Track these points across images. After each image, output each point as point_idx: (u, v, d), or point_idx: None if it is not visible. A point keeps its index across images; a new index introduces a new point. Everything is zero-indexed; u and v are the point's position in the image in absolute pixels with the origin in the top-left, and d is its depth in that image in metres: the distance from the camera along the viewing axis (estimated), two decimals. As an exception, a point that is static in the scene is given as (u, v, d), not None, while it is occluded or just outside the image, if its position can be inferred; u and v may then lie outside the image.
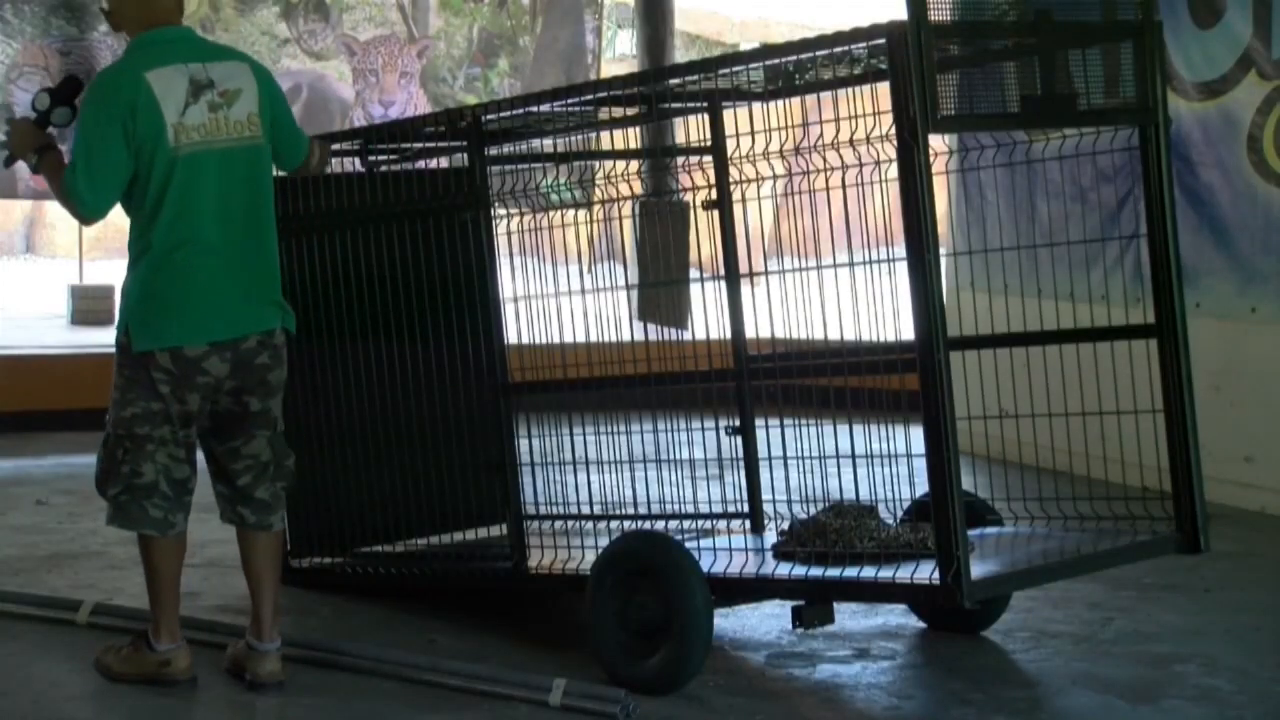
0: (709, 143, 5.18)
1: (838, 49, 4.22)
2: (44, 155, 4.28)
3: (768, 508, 5.16)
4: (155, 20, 4.25)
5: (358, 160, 5.39)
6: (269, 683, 4.27)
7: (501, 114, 4.83)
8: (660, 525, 5.08)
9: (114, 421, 4.25)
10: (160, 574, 4.30)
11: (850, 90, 4.44)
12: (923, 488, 4.14)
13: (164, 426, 4.21)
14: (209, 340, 4.14)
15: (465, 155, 5.00)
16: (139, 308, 4.16)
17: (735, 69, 4.52)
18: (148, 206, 4.14)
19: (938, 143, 4.23)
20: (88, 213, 4.22)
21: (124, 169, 4.13)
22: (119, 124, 4.10)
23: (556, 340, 5.01)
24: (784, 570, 4.29)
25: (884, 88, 4.05)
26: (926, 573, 3.98)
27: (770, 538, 4.78)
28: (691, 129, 5.18)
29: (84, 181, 4.13)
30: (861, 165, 4.21)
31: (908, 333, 4.01)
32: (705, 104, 5.12)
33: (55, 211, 25.51)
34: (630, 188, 4.86)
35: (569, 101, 4.81)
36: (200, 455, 4.38)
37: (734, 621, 4.94)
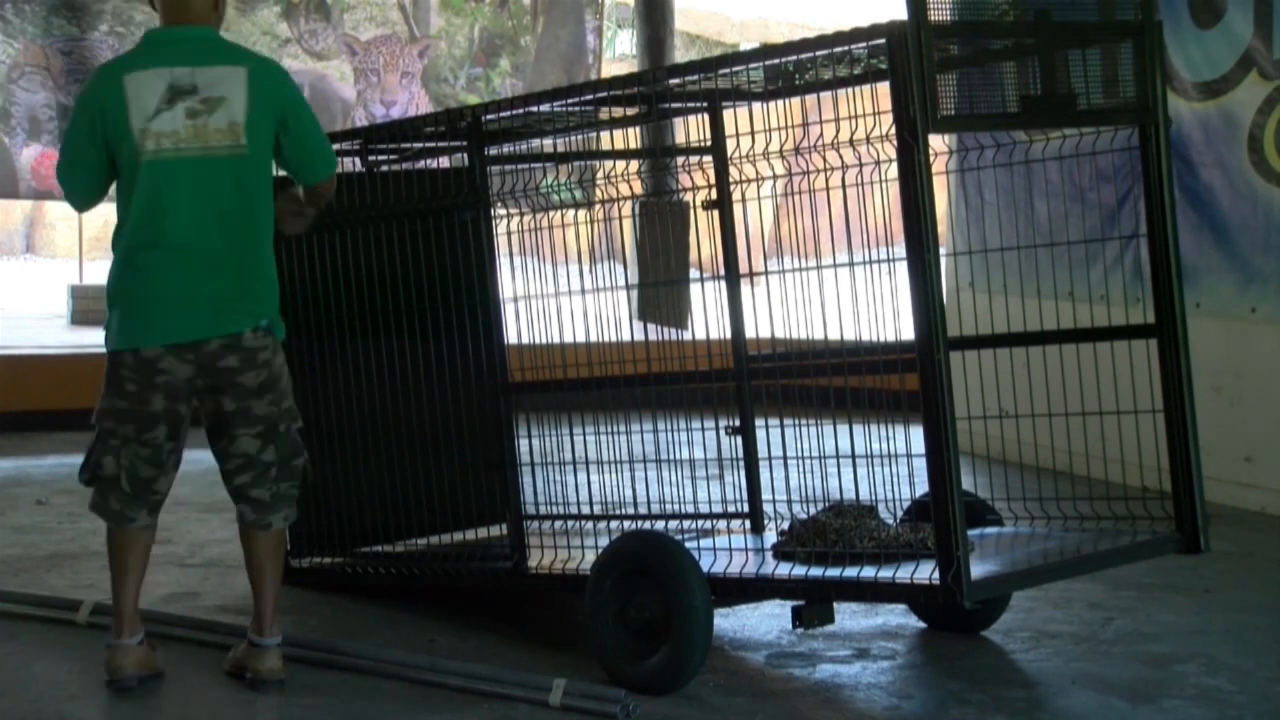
0: (709, 143, 5.18)
1: (838, 49, 4.22)
2: None
3: (768, 508, 5.16)
4: (173, 18, 4.26)
5: (358, 160, 5.39)
6: (270, 679, 4.27)
7: (501, 114, 4.83)
8: (660, 525, 5.08)
9: (95, 412, 4.35)
10: (115, 564, 4.33)
11: (850, 90, 4.44)
12: (923, 488, 4.14)
13: (128, 425, 4.24)
14: (164, 342, 4.14)
15: (465, 155, 5.01)
16: (109, 306, 4.26)
17: (735, 69, 4.51)
18: (121, 207, 4.23)
19: (938, 143, 4.23)
20: (70, 204, 4.44)
21: (94, 166, 4.23)
22: (88, 122, 4.18)
23: (556, 340, 5.01)
24: (784, 570, 4.29)
25: (884, 88, 4.05)
26: (926, 573, 3.98)
27: (770, 538, 4.79)
28: (691, 129, 5.18)
29: (62, 174, 4.32)
30: (861, 165, 4.21)
31: (908, 333, 4.01)
32: (705, 104, 5.13)
33: (55, 211, 25.51)
34: (630, 188, 4.86)
35: (569, 101, 4.81)
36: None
37: (734, 621, 4.94)
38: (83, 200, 4.38)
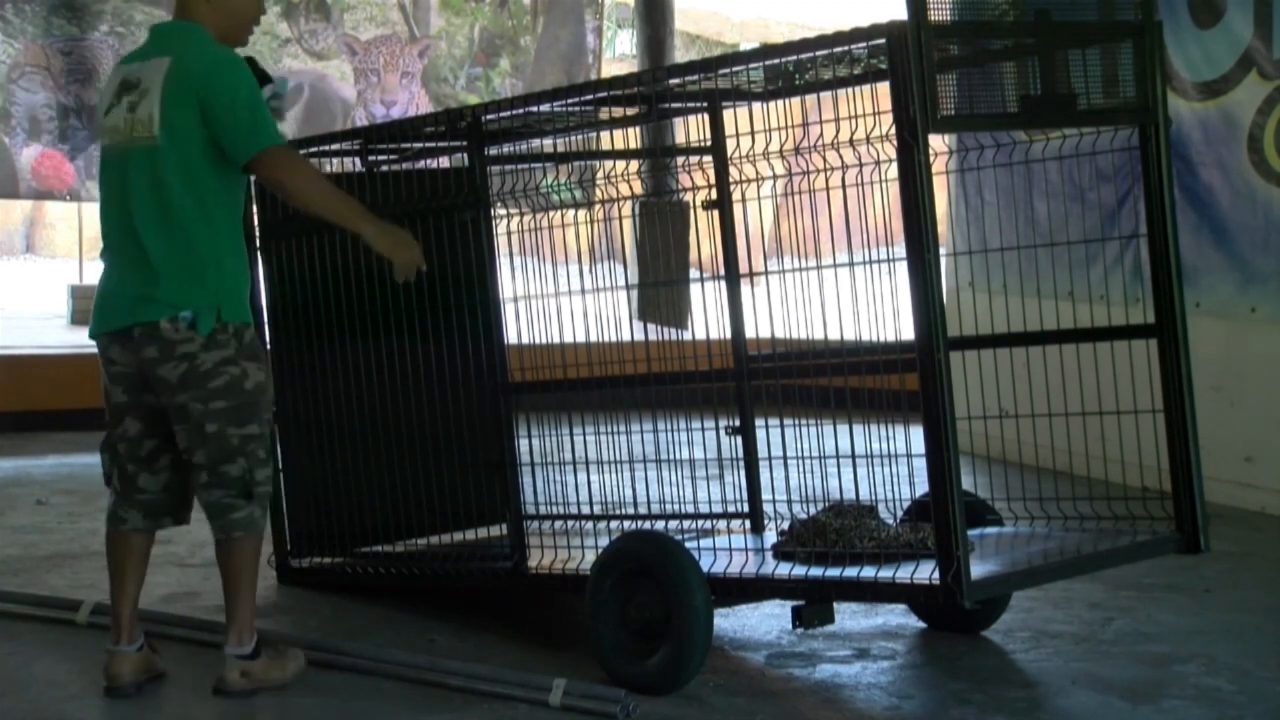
0: (709, 143, 5.18)
1: (838, 49, 4.22)
2: None
3: (768, 508, 5.16)
4: (175, 12, 4.30)
5: (358, 160, 5.39)
6: (222, 689, 4.21)
7: (501, 114, 4.83)
8: (660, 525, 5.08)
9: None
10: (111, 569, 4.33)
11: (850, 90, 4.44)
12: (923, 488, 4.14)
13: (109, 421, 4.32)
14: (100, 331, 4.23)
15: (465, 155, 5.01)
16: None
17: (735, 69, 4.51)
18: None
19: (937, 143, 4.23)
20: None
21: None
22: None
23: (556, 340, 5.01)
24: (784, 570, 4.29)
25: (884, 88, 4.05)
26: (926, 573, 3.98)
27: (770, 538, 4.78)
28: (691, 129, 5.18)
29: None
30: (861, 165, 4.21)
31: (908, 333, 4.01)
32: (705, 104, 5.12)
33: (55, 211, 25.51)
34: (630, 188, 4.86)
35: (569, 101, 4.81)
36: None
37: (734, 621, 4.94)
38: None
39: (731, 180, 4.94)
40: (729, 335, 5.27)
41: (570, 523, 5.30)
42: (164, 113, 4.08)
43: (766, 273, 4.68)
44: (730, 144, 4.84)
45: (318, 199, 4.17)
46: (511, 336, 5.01)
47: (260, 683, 4.23)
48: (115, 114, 4.18)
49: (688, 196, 5.05)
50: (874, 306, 4.30)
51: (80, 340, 13.16)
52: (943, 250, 4.81)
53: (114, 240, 4.24)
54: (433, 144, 5.32)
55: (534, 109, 4.85)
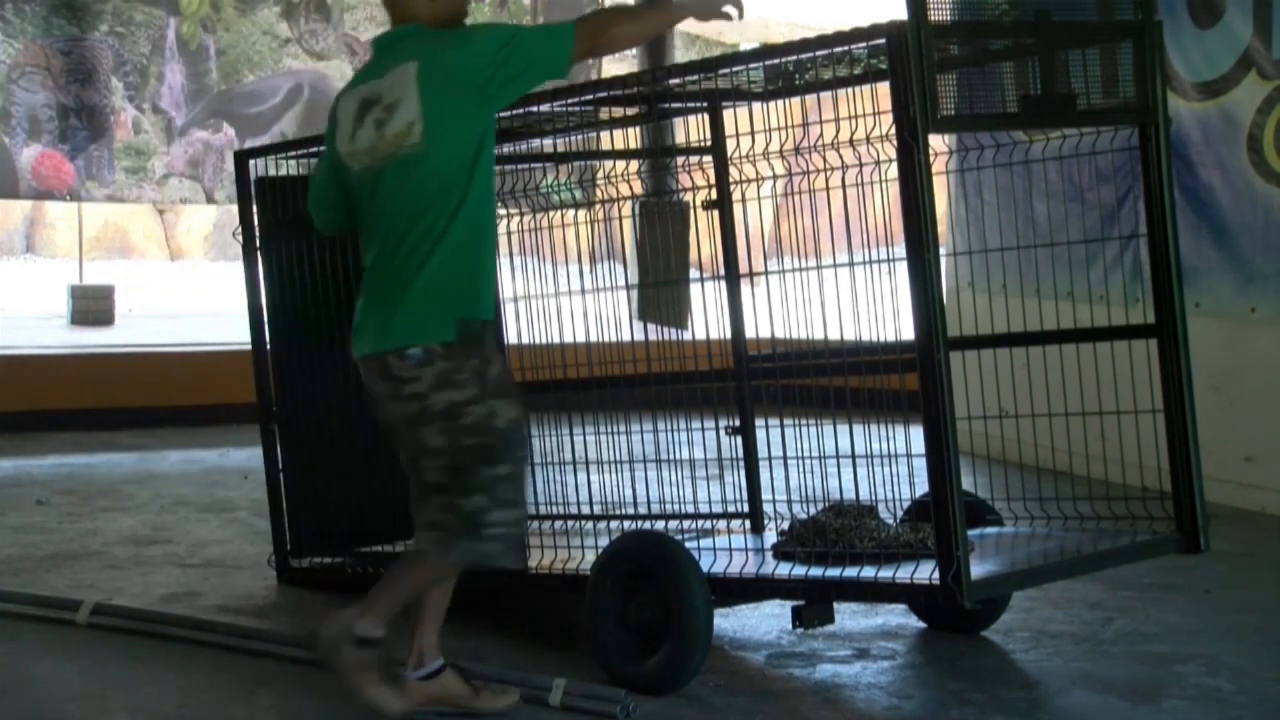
0: (709, 143, 5.19)
1: (838, 49, 4.23)
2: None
3: (768, 508, 5.16)
4: (395, 16, 4.03)
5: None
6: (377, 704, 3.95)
7: (501, 114, 4.82)
8: (660, 525, 5.08)
9: None
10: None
11: (850, 90, 4.45)
12: (923, 488, 4.14)
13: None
14: (356, 354, 4.00)
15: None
16: None
17: (735, 69, 4.52)
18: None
19: (937, 143, 4.23)
20: (314, 227, 4.30)
21: (330, 191, 4.08)
22: (326, 152, 4.09)
23: (556, 340, 5.01)
24: (784, 570, 4.29)
25: (884, 88, 4.05)
26: (926, 573, 3.98)
27: (770, 538, 4.79)
28: (691, 129, 5.18)
29: (310, 198, 4.23)
30: (861, 165, 4.21)
31: (908, 333, 4.02)
32: (705, 104, 5.13)
33: (55, 211, 25.53)
34: (630, 188, 4.86)
35: (569, 101, 4.81)
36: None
37: (734, 621, 4.94)
38: (318, 222, 4.24)
39: (731, 180, 4.94)
40: (729, 335, 5.27)
41: (570, 523, 5.30)
42: (428, 116, 3.81)
43: (766, 273, 4.68)
44: (730, 144, 4.85)
45: (639, 35, 3.99)
46: (511, 336, 5.01)
47: (439, 703, 4.02)
48: (362, 136, 3.89)
49: (688, 196, 5.06)
50: (874, 306, 4.30)
51: (80, 340, 13.18)
52: (942, 250, 4.81)
53: (369, 269, 3.97)
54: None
55: (534, 109, 4.85)
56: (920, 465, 4.05)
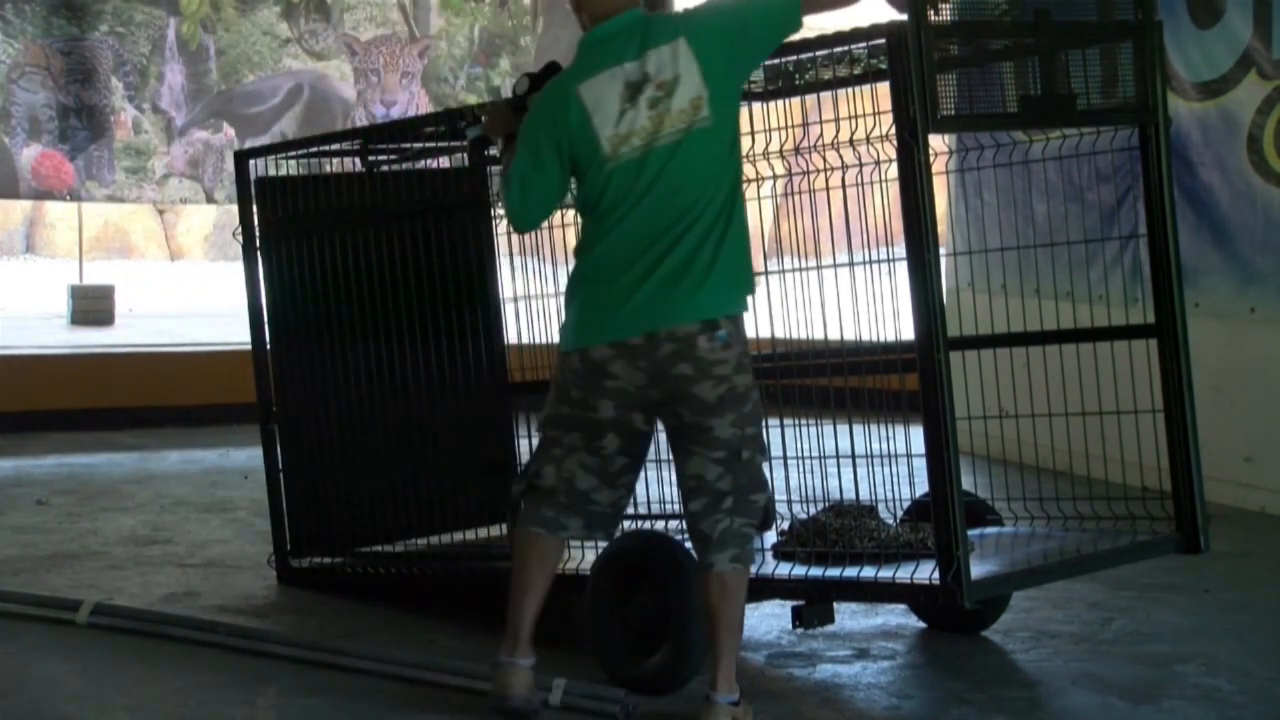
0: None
1: (838, 49, 4.23)
2: (509, 144, 4.06)
3: (768, 508, 5.15)
4: (600, 11, 3.93)
5: (358, 160, 5.40)
6: None
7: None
8: (660, 525, 5.08)
9: (540, 420, 4.11)
10: (521, 577, 4.05)
11: (850, 90, 4.44)
12: (923, 488, 4.14)
13: (573, 433, 3.98)
14: (609, 339, 3.84)
15: (465, 155, 5.01)
16: (566, 309, 4.01)
17: (735, 69, 4.50)
18: (587, 216, 3.95)
19: (937, 143, 4.23)
20: (515, 225, 4.09)
21: (556, 187, 3.97)
22: (554, 144, 3.90)
23: (556, 340, 5.00)
24: (784, 570, 4.29)
25: (884, 88, 4.05)
26: (926, 573, 3.98)
27: (770, 538, 4.78)
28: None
29: (516, 196, 3.97)
30: (861, 165, 4.21)
31: (908, 333, 4.02)
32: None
33: (55, 211, 25.54)
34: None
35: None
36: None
37: (734, 621, 4.93)
38: (530, 221, 4.05)
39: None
40: (729, 335, 5.25)
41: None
42: (711, 88, 3.79)
43: (766, 273, 4.67)
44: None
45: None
46: (511, 336, 5.01)
47: None
48: (635, 118, 3.80)
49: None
50: (874, 306, 4.30)
51: (80, 340, 13.19)
52: (942, 250, 4.81)
53: (630, 252, 3.84)
54: (433, 144, 5.32)
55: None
56: (920, 465, 4.05)
